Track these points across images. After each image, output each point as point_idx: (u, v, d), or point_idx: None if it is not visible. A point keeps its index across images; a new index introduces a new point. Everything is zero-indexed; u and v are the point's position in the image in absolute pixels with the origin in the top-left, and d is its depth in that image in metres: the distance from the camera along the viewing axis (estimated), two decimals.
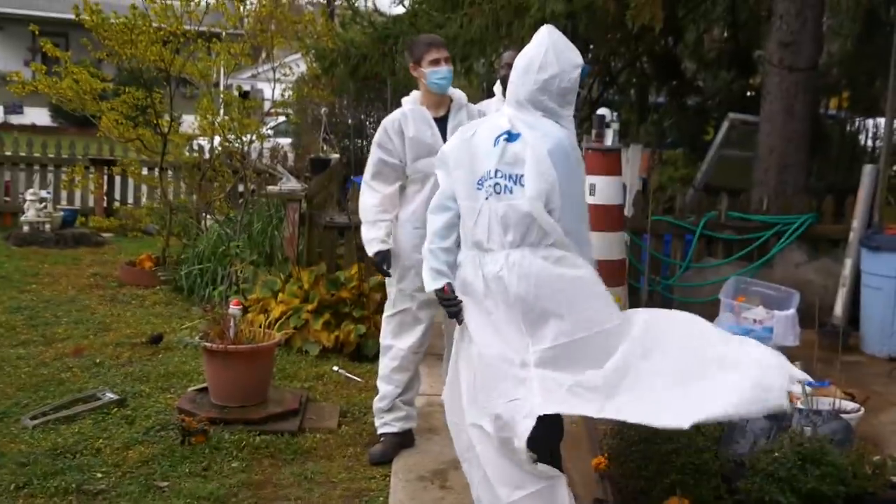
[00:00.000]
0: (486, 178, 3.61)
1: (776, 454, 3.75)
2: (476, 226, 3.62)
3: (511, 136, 3.59)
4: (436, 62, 4.77)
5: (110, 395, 5.68)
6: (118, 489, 4.46)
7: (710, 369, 3.43)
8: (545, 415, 3.36)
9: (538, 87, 3.60)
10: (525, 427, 3.34)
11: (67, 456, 4.82)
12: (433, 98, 4.88)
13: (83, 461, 4.76)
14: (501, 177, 3.57)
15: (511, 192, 3.55)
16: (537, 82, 3.60)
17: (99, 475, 4.61)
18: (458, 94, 4.99)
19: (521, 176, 3.53)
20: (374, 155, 4.91)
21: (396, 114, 4.96)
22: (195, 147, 11.26)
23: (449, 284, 3.78)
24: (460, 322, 3.77)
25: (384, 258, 4.77)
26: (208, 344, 5.48)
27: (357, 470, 4.84)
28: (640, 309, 3.71)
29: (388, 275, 4.88)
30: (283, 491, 4.55)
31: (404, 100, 5.04)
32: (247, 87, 19.17)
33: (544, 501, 3.45)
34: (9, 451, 4.84)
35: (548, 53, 3.58)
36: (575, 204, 3.66)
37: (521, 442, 3.35)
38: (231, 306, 5.75)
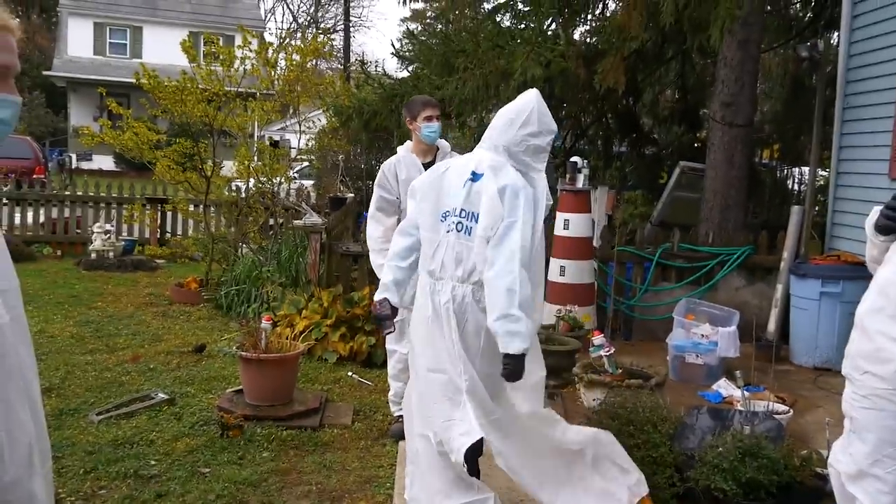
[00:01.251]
0: (450, 214, 3.45)
1: (720, 449, 3.75)
2: (433, 258, 3.46)
3: (475, 177, 3.42)
4: (429, 118, 4.86)
5: (162, 395, 5.68)
6: (168, 474, 4.45)
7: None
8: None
9: (518, 140, 3.43)
10: (461, 444, 3.25)
11: (126, 446, 4.82)
12: (423, 146, 4.99)
13: (139, 450, 4.76)
14: (465, 216, 3.40)
15: (470, 232, 3.38)
16: (518, 136, 3.43)
17: (153, 462, 4.61)
18: (443, 144, 5.06)
19: (478, 214, 3.37)
20: (376, 193, 5.02)
21: (392, 160, 5.07)
22: (233, 188, 11.27)
23: (386, 300, 3.59)
24: (385, 331, 3.68)
25: None
26: (244, 353, 5.48)
27: (368, 459, 4.83)
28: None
29: None
30: (306, 477, 4.54)
31: (399, 148, 5.16)
32: (277, 138, 19.21)
33: None
34: (79, 442, 4.85)
35: (532, 114, 3.44)
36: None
37: (458, 456, 3.26)
38: (263, 321, 5.75)
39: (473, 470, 3.49)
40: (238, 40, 9.91)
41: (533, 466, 3.45)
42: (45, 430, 1.81)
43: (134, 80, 9.71)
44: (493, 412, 3.39)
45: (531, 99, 3.51)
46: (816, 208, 8.77)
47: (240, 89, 9.73)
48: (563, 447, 3.46)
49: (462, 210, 3.42)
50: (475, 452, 3.49)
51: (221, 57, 9.57)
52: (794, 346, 6.84)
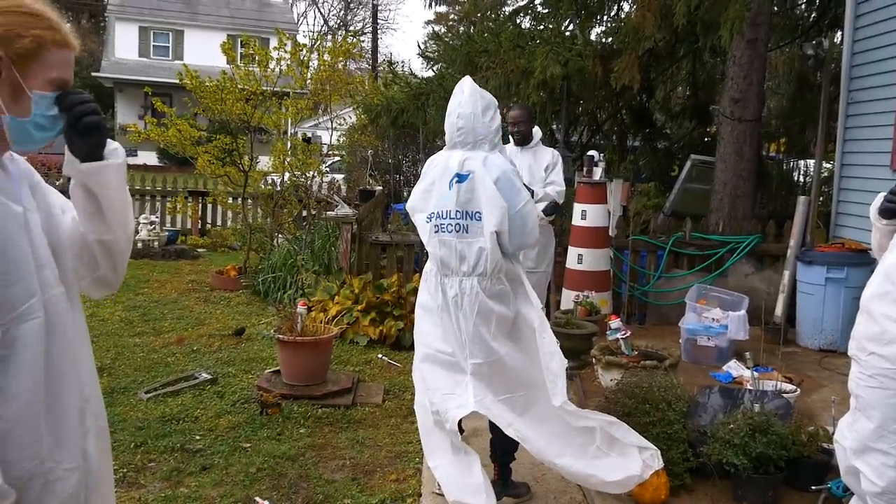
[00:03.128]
0: (439, 216, 3.42)
1: (732, 425, 3.73)
2: (437, 255, 3.45)
3: (461, 178, 3.37)
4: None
5: (205, 375, 5.73)
6: (212, 448, 4.50)
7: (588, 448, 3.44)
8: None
9: (490, 129, 3.43)
10: (455, 415, 3.37)
11: (173, 422, 4.88)
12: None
13: (185, 426, 4.81)
14: (460, 216, 3.37)
15: (467, 230, 3.36)
16: (488, 124, 3.43)
17: (197, 437, 4.66)
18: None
19: (477, 212, 3.35)
20: None
21: None
22: (269, 181, 11.34)
23: None
24: None
25: None
26: (281, 336, 5.52)
27: (398, 436, 4.85)
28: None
29: None
30: (340, 452, 4.57)
31: None
32: (309, 134, 19.24)
33: (460, 470, 3.40)
34: (129, 418, 4.91)
35: (478, 101, 3.42)
36: (516, 220, 3.40)
37: (452, 425, 3.37)
38: (298, 306, 5.79)
39: (509, 446, 3.65)
40: (273, 42, 9.94)
41: (548, 441, 3.46)
42: (98, 392, 1.85)
43: (177, 81, 9.78)
44: (504, 392, 3.42)
45: (473, 87, 3.47)
46: (821, 199, 8.68)
47: (275, 88, 9.76)
48: (576, 427, 3.46)
49: (457, 211, 3.38)
50: (506, 441, 3.58)
51: (258, 58, 9.60)
52: (801, 329, 6.79)
